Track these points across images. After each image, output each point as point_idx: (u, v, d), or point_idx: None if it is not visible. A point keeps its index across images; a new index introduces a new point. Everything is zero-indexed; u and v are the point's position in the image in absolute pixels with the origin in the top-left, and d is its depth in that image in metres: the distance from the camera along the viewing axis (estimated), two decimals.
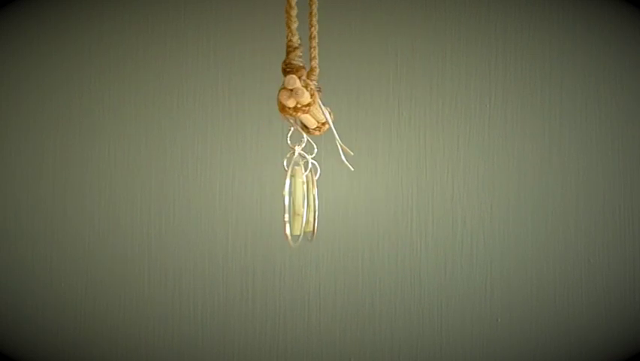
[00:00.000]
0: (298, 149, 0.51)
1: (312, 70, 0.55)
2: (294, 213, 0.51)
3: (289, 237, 0.49)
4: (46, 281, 0.90)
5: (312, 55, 0.57)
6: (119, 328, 0.88)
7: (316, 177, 0.56)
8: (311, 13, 0.56)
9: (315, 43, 0.57)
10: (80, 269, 0.89)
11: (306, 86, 0.47)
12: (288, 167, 0.51)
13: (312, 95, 0.47)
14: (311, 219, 0.54)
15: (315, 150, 0.54)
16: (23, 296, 0.90)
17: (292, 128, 0.50)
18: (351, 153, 0.54)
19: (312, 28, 0.57)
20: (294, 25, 0.48)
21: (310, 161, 0.54)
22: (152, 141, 0.89)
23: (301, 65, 0.49)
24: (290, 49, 0.48)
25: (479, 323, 0.81)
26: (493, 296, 0.81)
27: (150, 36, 0.89)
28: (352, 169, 0.53)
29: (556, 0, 0.81)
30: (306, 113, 0.48)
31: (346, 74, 0.85)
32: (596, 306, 0.79)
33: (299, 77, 0.48)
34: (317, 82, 0.55)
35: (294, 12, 0.48)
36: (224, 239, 0.87)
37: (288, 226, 0.50)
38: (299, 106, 0.47)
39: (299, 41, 0.48)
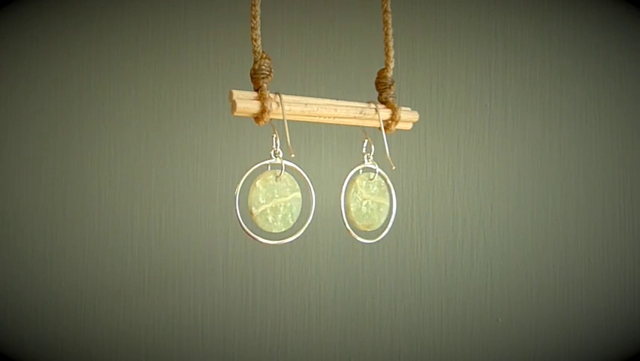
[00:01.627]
0: (272, 153, 0.54)
1: (386, 67, 0.58)
2: (265, 212, 0.53)
3: (257, 238, 0.51)
4: (46, 281, 0.90)
5: (386, 51, 0.58)
6: (118, 327, 0.88)
7: (375, 176, 0.56)
8: (384, 9, 0.57)
9: (389, 40, 0.58)
10: (80, 269, 0.89)
11: (259, 97, 0.51)
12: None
13: (262, 104, 0.51)
14: (379, 219, 0.56)
15: (373, 150, 0.56)
16: (23, 296, 0.90)
17: (274, 135, 0.53)
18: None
19: (386, 27, 0.58)
20: (256, 45, 0.53)
21: (368, 161, 0.56)
22: (152, 142, 0.89)
23: (264, 76, 0.52)
24: (253, 63, 0.53)
25: (479, 323, 0.81)
26: (493, 296, 0.81)
27: (150, 36, 0.89)
28: (394, 168, 0.55)
29: (557, 0, 0.81)
30: (263, 119, 0.51)
31: (346, 74, 0.85)
32: (596, 306, 0.79)
33: (259, 87, 0.52)
34: (390, 77, 0.57)
35: (255, 33, 0.52)
36: (224, 239, 0.87)
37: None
38: (261, 115, 0.51)
39: (261, 54, 0.53)
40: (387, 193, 0.56)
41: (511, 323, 0.81)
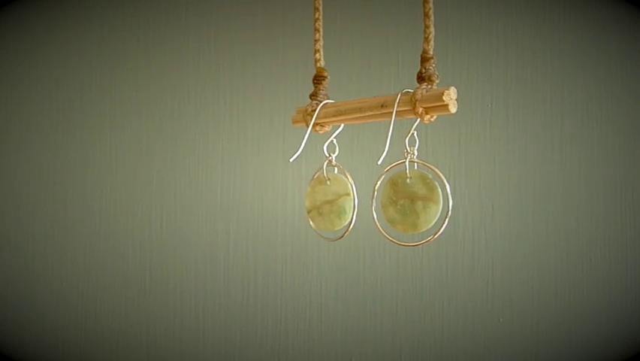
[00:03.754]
0: (334, 156, 0.56)
1: (425, 51, 0.52)
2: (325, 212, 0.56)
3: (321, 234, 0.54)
4: (47, 281, 0.90)
5: (426, 35, 0.51)
6: (120, 328, 0.88)
7: (408, 172, 0.51)
8: None
9: (429, 22, 0.51)
10: (81, 269, 0.89)
11: (303, 109, 0.58)
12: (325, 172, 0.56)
13: (303, 115, 0.57)
14: (427, 219, 0.49)
15: (417, 144, 0.52)
16: (24, 296, 0.90)
17: (332, 139, 0.56)
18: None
19: (427, 4, 0.51)
20: (317, 59, 0.58)
21: (411, 158, 0.51)
22: (153, 142, 0.88)
23: (315, 86, 0.58)
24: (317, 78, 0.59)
25: (481, 322, 0.82)
26: (494, 294, 0.82)
27: (151, 37, 0.89)
28: (379, 163, 0.52)
29: (557, 0, 0.82)
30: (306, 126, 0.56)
31: (348, 74, 0.85)
32: (597, 305, 0.80)
33: (316, 94, 0.57)
34: (425, 56, 0.51)
35: (316, 49, 0.54)
36: (225, 239, 0.87)
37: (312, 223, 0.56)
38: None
39: (318, 68, 0.58)
40: (437, 191, 0.49)
41: (512, 321, 0.81)
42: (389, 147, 0.48)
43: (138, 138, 0.89)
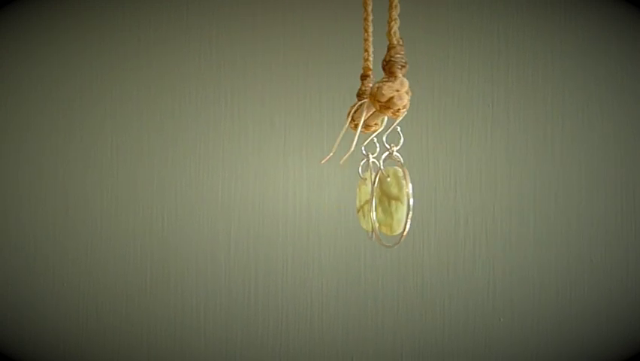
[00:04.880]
0: (372, 156, 0.55)
1: (389, 41, 0.48)
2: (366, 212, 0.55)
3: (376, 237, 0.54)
4: (49, 281, 0.89)
5: (391, 28, 0.48)
6: (121, 327, 0.88)
7: (381, 170, 0.50)
8: None
9: (392, 10, 0.48)
10: (82, 269, 0.89)
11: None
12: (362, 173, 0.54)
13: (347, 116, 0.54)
14: (400, 220, 0.47)
15: (400, 142, 0.50)
16: (24, 296, 0.90)
17: (372, 138, 0.55)
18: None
19: None
20: (366, 57, 0.56)
21: (389, 155, 0.49)
22: (154, 141, 0.88)
23: (362, 88, 0.57)
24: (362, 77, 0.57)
25: (482, 322, 0.82)
26: (495, 294, 0.82)
27: (152, 36, 0.89)
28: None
29: (558, 1, 0.82)
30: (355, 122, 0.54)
31: (348, 75, 0.85)
32: (597, 305, 0.80)
33: (359, 94, 0.56)
34: (389, 45, 0.48)
35: (365, 49, 0.56)
36: (226, 238, 0.87)
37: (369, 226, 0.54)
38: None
39: (364, 68, 0.57)
40: (404, 190, 0.47)
41: (512, 321, 0.82)
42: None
43: (139, 137, 0.88)
